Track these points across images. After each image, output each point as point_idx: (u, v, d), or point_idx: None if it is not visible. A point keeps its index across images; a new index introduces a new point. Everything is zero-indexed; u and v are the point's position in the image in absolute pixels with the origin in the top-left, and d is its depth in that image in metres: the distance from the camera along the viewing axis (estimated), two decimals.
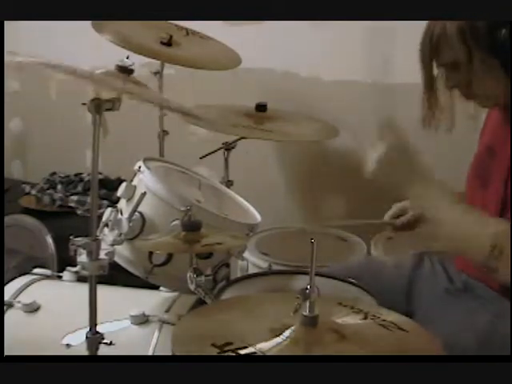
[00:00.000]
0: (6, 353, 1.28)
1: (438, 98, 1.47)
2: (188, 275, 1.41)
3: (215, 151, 2.16)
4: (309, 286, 1.02)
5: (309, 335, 1.02)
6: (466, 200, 1.57)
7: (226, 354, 0.98)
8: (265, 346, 1.00)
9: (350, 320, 1.10)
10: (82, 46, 2.48)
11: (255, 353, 0.98)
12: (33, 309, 1.56)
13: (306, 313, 1.02)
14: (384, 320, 1.10)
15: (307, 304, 1.02)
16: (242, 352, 0.98)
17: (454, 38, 1.35)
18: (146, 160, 1.65)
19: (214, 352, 0.98)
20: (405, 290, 1.62)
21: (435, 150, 2.31)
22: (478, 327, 1.40)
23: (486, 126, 1.58)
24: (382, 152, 1.64)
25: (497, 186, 1.43)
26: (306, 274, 1.05)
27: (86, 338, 1.31)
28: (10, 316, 1.55)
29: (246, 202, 1.80)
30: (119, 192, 1.59)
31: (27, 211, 2.61)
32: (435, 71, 1.45)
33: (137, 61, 1.43)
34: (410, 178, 1.42)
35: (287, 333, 1.02)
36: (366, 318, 1.11)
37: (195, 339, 1.05)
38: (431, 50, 1.40)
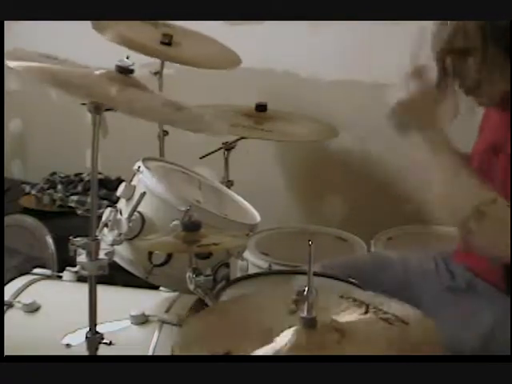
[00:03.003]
0: (6, 353, 1.28)
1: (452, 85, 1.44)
2: (188, 275, 1.41)
3: (215, 151, 2.16)
4: (306, 288, 1.02)
5: (308, 337, 1.01)
6: None
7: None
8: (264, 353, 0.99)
9: (350, 316, 1.09)
10: (82, 46, 2.47)
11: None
12: (33, 309, 1.56)
13: (304, 314, 1.02)
14: (386, 313, 1.09)
15: (305, 306, 1.02)
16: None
17: (471, 23, 1.33)
18: (145, 160, 1.65)
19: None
20: (407, 287, 1.61)
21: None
22: (480, 326, 1.40)
23: (486, 123, 1.56)
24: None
25: (503, 183, 1.41)
26: (306, 273, 1.04)
27: (86, 337, 1.31)
28: (10, 316, 1.55)
29: (245, 202, 1.80)
30: (119, 192, 1.59)
31: (27, 211, 2.60)
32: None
33: (137, 61, 1.43)
34: None
35: (286, 338, 1.01)
36: (367, 311, 1.10)
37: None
38: (449, 35, 1.37)
